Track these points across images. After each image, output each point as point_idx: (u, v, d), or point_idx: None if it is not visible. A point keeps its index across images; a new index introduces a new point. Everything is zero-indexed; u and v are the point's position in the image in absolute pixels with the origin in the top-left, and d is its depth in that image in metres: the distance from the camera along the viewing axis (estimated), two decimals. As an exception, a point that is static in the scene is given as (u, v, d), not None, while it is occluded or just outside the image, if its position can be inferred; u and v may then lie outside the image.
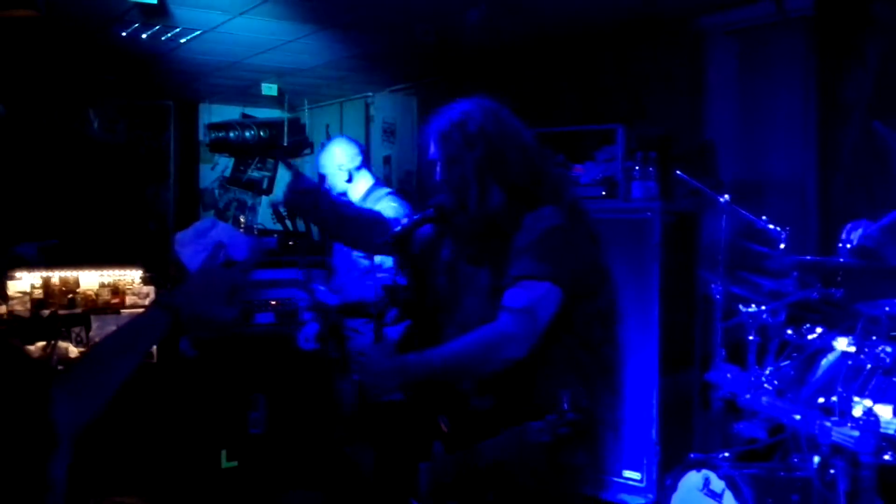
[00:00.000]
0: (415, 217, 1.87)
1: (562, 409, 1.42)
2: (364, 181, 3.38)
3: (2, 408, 0.81)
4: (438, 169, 1.76)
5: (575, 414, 1.42)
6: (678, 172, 3.14)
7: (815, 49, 3.43)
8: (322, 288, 3.37)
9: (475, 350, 1.56)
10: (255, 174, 7.26)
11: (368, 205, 3.18)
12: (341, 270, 3.42)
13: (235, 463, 3.39)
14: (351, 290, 3.24)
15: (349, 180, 3.33)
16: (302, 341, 3.38)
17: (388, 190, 3.43)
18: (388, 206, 3.14)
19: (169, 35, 4.41)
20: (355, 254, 3.18)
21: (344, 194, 3.31)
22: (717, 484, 2.41)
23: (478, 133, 1.69)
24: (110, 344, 1.04)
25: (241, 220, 6.62)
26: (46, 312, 4.08)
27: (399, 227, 1.86)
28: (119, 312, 4.34)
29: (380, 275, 3.02)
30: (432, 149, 1.77)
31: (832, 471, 2.24)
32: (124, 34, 4.36)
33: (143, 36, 4.40)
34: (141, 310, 4.17)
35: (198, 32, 4.37)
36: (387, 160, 6.20)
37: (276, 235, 5.82)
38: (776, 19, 3.61)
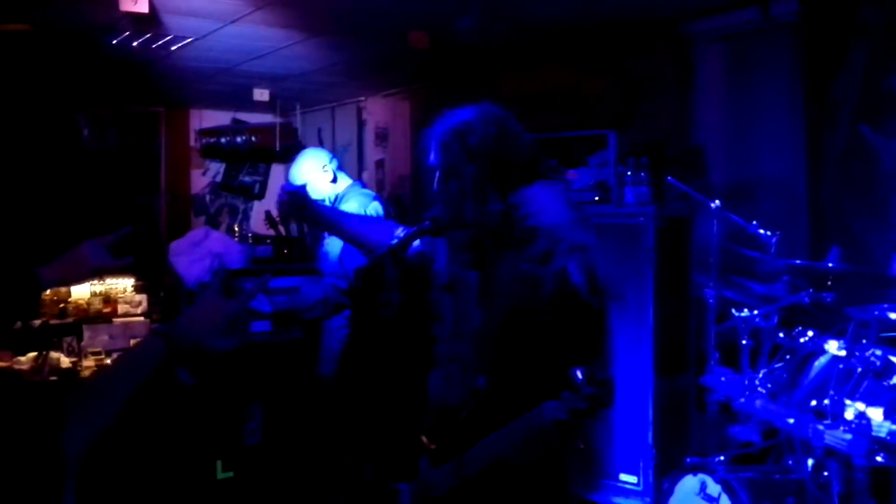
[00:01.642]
0: (411, 229, 1.89)
1: (577, 384, 1.41)
2: (343, 181, 3.51)
3: (17, 448, 0.83)
4: (437, 178, 1.76)
5: (592, 388, 1.40)
6: (669, 178, 3.17)
7: (802, 54, 3.48)
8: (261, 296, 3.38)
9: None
10: (247, 179, 7.25)
11: (350, 200, 3.31)
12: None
13: (231, 473, 3.38)
14: (306, 294, 3.21)
15: (334, 180, 3.45)
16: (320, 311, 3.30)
17: (364, 189, 3.56)
18: (365, 200, 3.29)
19: (160, 43, 4.41)
20: (332, 257, 3.16)
21: (323, 201, 3.38)
22: (714, 488, 2.44)
23: (478, 146, 1.69)
24: (109, 376, 1.06)
25: (236, 228, 6.61)
26: (37, 323, 4.05)
27: (395, 240, 1.87)
28: (111, 321, 4.31)
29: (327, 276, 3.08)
30: (432, 156, 1.77)
31: (826, 473, 2.28)
32: (115, 42, 4.35)
33: (134, 44, 4.39)
34: (133, 319, 4.14)
35: (189, 40, 4.37)
36: (380, 164, 6.21)
37: (269, 242, 5.82)
38: (763, 25, 3.66)
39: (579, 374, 1.41)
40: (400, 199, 5.86)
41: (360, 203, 3.32)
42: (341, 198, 3.38)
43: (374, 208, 3.35)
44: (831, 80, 3.31)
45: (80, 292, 4.32)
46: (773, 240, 2.75)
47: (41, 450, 0.84)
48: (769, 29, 3.66)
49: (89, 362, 3.98)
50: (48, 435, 0.87)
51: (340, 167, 3.58)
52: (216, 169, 7.13)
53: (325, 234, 3.39)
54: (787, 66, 3.59)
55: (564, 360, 1.52)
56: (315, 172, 3.40)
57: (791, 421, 2.30)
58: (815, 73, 3.40)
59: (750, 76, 3.82)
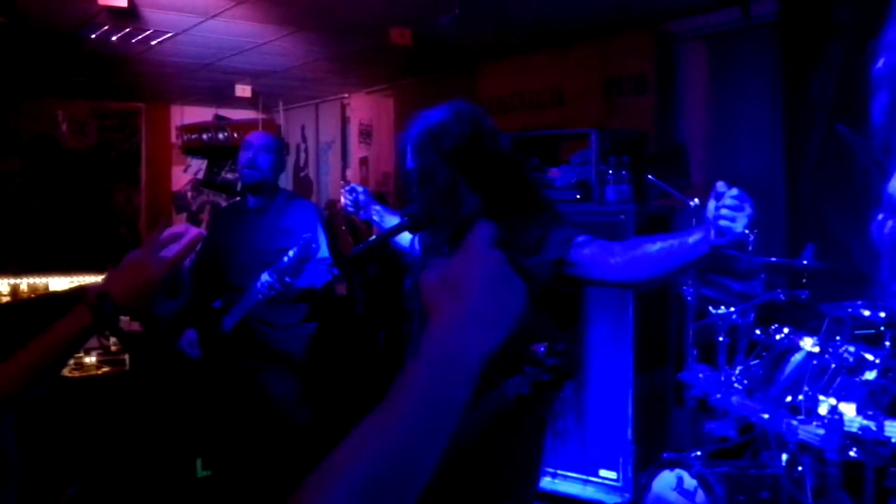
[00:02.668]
0: (388, 227, 1.88)
1: (539, 358, 1.39)
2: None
3: None
4: (414, 181, 1.76)
5: (555, 359, 1.39)
6: (650, 176, 3.19)
7: (781, 53, 3.51)
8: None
9: None
10: (229, 176, 7.20)
11: (294, 201, 3.10)
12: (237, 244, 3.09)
13: (210, 472, 3.37)
14: (316, 278, 2.92)
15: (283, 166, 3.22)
16: (186, 346, 3.01)
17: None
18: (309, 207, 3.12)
19: (139, 38, 4.36)
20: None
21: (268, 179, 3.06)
22: (690, 482, 2.46)
23: (453, 147, 1.69)
24: (36, 350, 1.01)
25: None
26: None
27: (372, 239, 1.86)
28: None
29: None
30: (408, 159, 1.77)
31: (800, 468, 2.31)
32: (93, 37, 4.30)
33: (113, 38, 4.34)
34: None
35: (169, 35, 4.33)
36: (363, 161, 6.19)
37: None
38: (743, 25, 3.69)
39: (541, 349, 1.40)
40: (384, 196, 5.84)
41: (305, 207, 3.09)
42: (280, 191, 3.10)
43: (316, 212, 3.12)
44: (809, 79, 3.35)
45: (56, 289, 4.27)
46: (751, 238, 2.77)
47: None
48: (749, 28, 3.69)
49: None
50: None
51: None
52: (198, 165, 7.09)
53: None
54: (766, 66, 3.62)
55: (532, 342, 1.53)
56: (280, 153, 3.14)
57: (766, 416, 2.33)
58: (794, 73, 3.44)
59: (730, 75, 3.85)
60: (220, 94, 6.17)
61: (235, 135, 6.55)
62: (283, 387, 3.00)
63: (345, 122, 6.44)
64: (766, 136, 3.64)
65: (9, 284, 4.07)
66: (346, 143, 6.39)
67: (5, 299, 4.04)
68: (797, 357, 2.44)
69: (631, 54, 4.15)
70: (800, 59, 3.40)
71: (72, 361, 4.00)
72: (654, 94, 4.06)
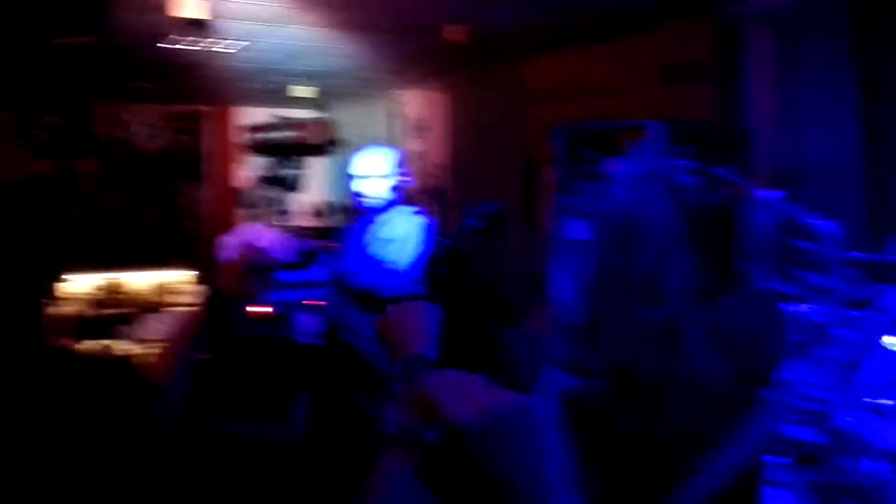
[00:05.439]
0: (455, 233, 1.90)
1: None
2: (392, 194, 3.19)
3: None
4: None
5: None
6: (715, 166, 3.11)
7: (851, 32, 3.36)
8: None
9: None
10: (287, 173, 7.36)
11: (397, 219, 2.99)
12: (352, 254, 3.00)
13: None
14: (364, 275, 2.81)
15: (394, 188, 3.10)
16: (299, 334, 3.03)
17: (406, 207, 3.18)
18: (415, 220, 2.96)
19: (215, 48, 4.48)
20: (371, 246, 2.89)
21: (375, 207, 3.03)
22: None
23: None
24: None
25: (278, 221, 6.71)
26: (93, 313, 4.22)
27: (446, 241, 1.88)
28: (165, 311, 4.49)
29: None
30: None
31: (883, 475, 2.23)
32: (171, 47, 4.43)
33: (192, 48, 4.46)
34: (187, 308, 4.20)
35: (245, 44, 4.43)
36: (417, 156, 6.23)
37: (312, 234, 5.89)
38: (811, 5, 3.55)
39: None
40: (443, 193, 5.85)
41: (407, 222, 2.94)
42: (386, 212, 3.00)
43: (420, 226, 2.91)
44: (882, 56, 3.20)
45: (136, 284, 4.49)
46: (829, 229, 2.68)
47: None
48: (818, 8, 3.55)
49: (144, 350, 4.17)
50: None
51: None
52: (257, 163, 7.27)
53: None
54: (837, 45, 3.47)
55: None
56: (386, 169, 3.02)
57: (847, 419, 2.25)
58: (866, 51, 3.29)
59: (798, 57, 3.71)
60: (278, 95, 6.30)
61: (296, 133, 6.69)
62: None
63: (399, 117, 6.49)
64: (839, 119, 3.49)
65: (91, 280, 4.27)
66: (400, 138, 6.43)
67: (99, 294, 4.24)
68: (879, 355, 2.34)
69: (688, 41, 4.04)
70: (871, 36, 3.25)
71: (146, 351, 4.19)
72: (713, 81, 3.95)
